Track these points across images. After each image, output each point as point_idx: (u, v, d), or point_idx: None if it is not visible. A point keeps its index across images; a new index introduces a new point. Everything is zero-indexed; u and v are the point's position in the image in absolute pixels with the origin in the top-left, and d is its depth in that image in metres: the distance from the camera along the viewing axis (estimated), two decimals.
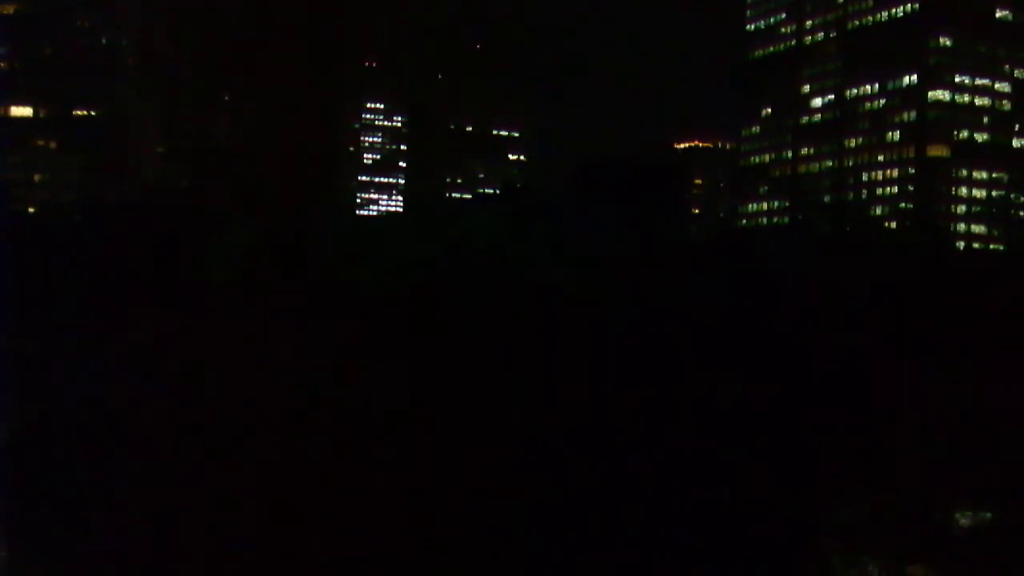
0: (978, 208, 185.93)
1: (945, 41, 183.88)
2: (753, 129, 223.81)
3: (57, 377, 71.11)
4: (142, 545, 33.08)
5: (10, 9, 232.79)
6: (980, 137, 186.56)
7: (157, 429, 53.30)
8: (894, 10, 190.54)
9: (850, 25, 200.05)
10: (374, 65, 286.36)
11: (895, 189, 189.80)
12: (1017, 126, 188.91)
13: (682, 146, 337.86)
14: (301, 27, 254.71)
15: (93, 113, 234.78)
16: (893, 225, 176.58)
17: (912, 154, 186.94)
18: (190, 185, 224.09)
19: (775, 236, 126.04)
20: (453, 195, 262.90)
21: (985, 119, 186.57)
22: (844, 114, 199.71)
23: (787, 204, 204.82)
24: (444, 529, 35.71)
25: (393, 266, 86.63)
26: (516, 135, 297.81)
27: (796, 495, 43.72)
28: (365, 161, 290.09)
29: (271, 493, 40.55)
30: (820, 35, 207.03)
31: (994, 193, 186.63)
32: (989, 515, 43.10)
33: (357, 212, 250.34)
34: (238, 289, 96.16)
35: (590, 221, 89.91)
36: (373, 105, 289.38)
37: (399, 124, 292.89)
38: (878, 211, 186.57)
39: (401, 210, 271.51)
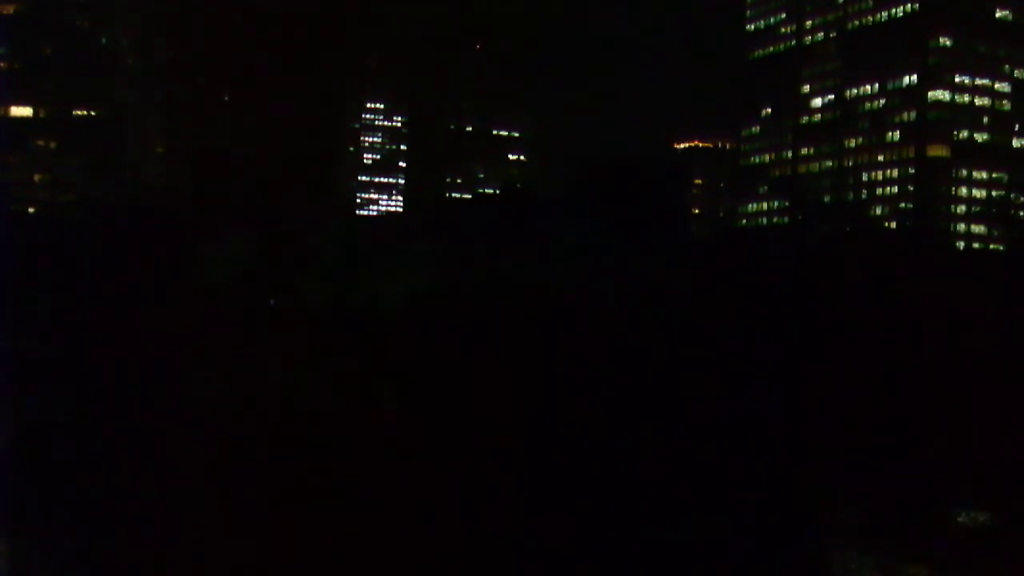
0: (978, 208, 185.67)
1: (945, 41, 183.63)
2: (753, 129, 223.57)
3: (57, 377, 71.08)
4: (140, 544, 33.03)
5: (10, 9, 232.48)
6: (980, 137, 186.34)
7: (154, 430, 53.27)
8: (894, 10, 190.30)
9: (850, 25, 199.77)
10: (374, 65, 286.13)
11: (895, 189, 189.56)
12: (1017, 126, 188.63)
13: (682, 146, 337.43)
14: (301, 27, 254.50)
15: (93, 113, 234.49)
16: (893, 225, 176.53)
17: (912, 154, 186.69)
18: (190, 185, 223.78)
19: (775, 236, 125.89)
20: (453, 195, 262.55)
21: (985, 119, 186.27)
22: (844, 114, 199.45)
23: (787, 204, 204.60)
24: (445, 535, 35.68)
25: (393, 270, 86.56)
26: (516, 135, 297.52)
27: (797, 495, 43.66)
28: (365, 161, 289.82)
29: (267, 495, 40.47)
30: (820, 35, 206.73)
31: (994, 193, 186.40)
32: (989, 515, 43.04)
33: (357, 212, 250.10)
34: (238, 290, 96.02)
35: (590, 221, 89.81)
36: (373, 105, 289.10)
37: (399, 124, 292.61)
38: (878, 211, 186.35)
39: (401, 210, 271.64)
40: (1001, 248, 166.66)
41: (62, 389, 66.48)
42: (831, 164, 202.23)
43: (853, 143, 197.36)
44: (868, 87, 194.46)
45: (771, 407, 61.23)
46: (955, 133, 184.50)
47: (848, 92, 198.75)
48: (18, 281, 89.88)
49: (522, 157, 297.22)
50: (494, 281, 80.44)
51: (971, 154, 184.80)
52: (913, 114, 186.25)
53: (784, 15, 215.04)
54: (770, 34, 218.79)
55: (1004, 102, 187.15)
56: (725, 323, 74.34)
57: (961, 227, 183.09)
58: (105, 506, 37.82)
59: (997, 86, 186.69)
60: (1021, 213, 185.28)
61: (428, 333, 75.72)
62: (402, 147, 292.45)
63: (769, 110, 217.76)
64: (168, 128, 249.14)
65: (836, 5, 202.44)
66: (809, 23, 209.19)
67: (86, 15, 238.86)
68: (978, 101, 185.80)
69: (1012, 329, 74.65)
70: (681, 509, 39.23)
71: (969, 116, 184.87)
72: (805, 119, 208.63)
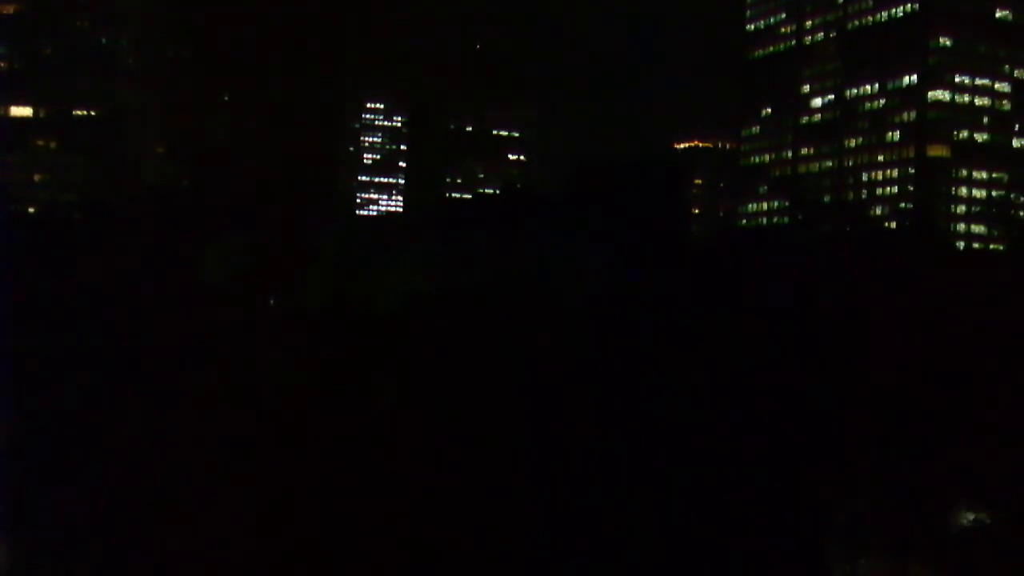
0: (978, 208, 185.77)
1: (945, 41, 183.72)
2: (753, 129, 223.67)
3: (57, 377, 71.05)
4: (140, 544, 33.02)
5: (10, 9, 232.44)
6: (980, 137, 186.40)
7: (154, 429, 53.25)
8: (894, 10, 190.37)
9: (850, 25, 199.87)
10: (374, 65, 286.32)
11: (895, 189, 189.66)
12: (1017, 126, 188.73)
13: (682, 146, 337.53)
14: (301, 27, 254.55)
15: (93, 113, 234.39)
16: (893, 225, 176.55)
17: (912, 154, 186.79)
18: (190, 185, 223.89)
19: (775, 236, 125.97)
20: (453, 195, 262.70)
21: (985, 119, 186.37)
22: (844, 114, 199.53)
23: (787, 204, 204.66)
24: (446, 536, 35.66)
25: (393, 270, 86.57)
26: (516, 135, 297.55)
27: (797, 495, 43.65)
28: (365, 161, 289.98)
29: (265, 496, 40.46)
30: (820, 35, 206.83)
31: (994, 193, 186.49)
32: (989, 515, 43.05)
33: (357, 212, 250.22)
34: (238, 290, 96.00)
35: (590, 221, 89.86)
36: (373, 105, 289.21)
37: (399, 124, 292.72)
38: (878, 211, 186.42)
39: (401, 210, 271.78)
40: (1001, 248, 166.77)
41: (62, 389, 66.46)
42: (831, 164, 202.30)
43: (853, 143, 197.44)
44: (868, 87, 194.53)
45: (771, 407, 61.24)
46: (955, 133, 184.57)
47: (848, 92, 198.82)
48: (18, 281, 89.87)
49: (522, 157, 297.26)
50: (494, 281, 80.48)
51: (971, 154, 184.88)
52: (913, 114, 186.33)
53: (784, 15, 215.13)
54: (770, 34, 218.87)
55: (1004, 102, 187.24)
56: (725, 323, 74.36)
57: (961, 227, 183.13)
58: (105, 505, 37.82)
59: (997, 86, 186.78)
60: (1021, 213, 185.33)
61: (428, 333, 75.74)
62: (402, 147, 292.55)
63: (769, 110, 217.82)
64: (168, 128, 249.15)
65: (836, 5, 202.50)
66: (809, 23, 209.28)
67: (86, 15, 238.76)
68: (978, 101, 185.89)
69: (1012, 329, 74.63)
70: (681, 509, 39.23)
71: (969, 116, 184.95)
72: (805, 119, 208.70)
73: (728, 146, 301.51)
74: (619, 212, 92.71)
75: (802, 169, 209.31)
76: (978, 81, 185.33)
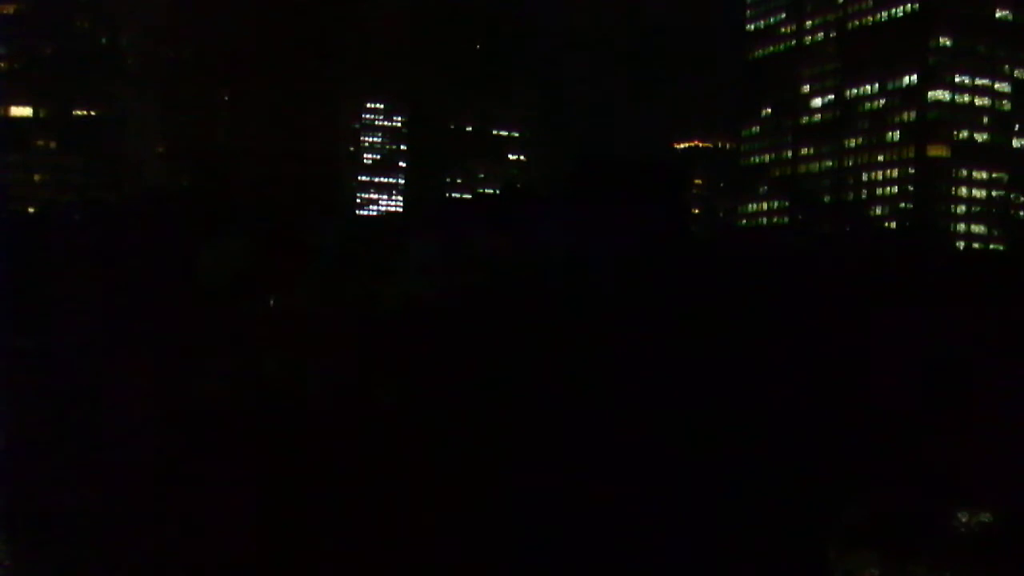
0: (978, 208, 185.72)
1: (945, 41, 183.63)
2: (753, 129, 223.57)
3: (57, 377, 71.10)
4: (140, 545, 33.07)
5: (10, 9, 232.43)
6: (980, 137, 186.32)
7: (153, 429, 53.29)
8: (894, 10, 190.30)
9: (850, 25, 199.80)
10: (374, 65, 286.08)
11: (895, 189, 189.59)
12: (1017, 126, 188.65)
13: (682, 146, 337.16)
14: (300, 27, 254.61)
15: (93, 113, 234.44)
16: (893, 225, 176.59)
17: (912, 154, 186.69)
18: (190, 185, 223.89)
19: (775, 236, 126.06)
20: (453, 195, 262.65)
21: (985, 119, 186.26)
22: (844, 114, 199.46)
23: (787, 204, 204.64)
24: (446, 534, 35.69)
25: (393, 270, 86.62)
26: (516, 135, 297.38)
27: (797, 496, 43.65)
28: (365, 161, 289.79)
29: (265, 496, 40.48)
30: (820, 35, 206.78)
31: (994, 193, 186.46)
32: (989, 515, 43.07)
33: (357, 212, 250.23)
34: (238, 290, 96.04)
35: (590, 221, 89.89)
36: (373, 105, 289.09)
37: (399, 124, 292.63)
38: (878, 211, 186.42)
39: (401, 210, 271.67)
40: (1001, 248, 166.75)
41: (62, 389, 66.51)
42: (831, 164, 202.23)
43: (853, 143, 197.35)
44: (868, 87, 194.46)
45: (771, 406, 61.25)
46: (955, 133, 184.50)
47: (848, 92, 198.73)
48: (18, 281, 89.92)
49: (522, 157, 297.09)
50: (494, 281, 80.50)
51: (971, 154, 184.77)
52: (913, 114, 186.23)
53: (784, 15, 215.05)
54: (770, 34, 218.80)
55: (1004, 102, 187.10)
56: (725, 322, 74.41)
57: (961, 227, 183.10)
58: (104, 506, 37.88)
59: (997, 86, 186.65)
60: (1021, 213, 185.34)
61: (428, 333, 75.76)
62: (402, 147, 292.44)
63: (769, 110, 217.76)
64: (168, 128, 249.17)
65: (836, 5, 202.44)
66: (809, 23, 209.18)
67: (86, 15, 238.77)
68: (978, 101, 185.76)
69: (1012, 329, 74.66)
70: (680, 508, 39.27)
71: (969, 116, 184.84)
72: (805, 119, 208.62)
73: (728, 146, 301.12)
74: (619, 212, 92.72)
75: (802, 169, 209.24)
76: (978, 81, 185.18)
